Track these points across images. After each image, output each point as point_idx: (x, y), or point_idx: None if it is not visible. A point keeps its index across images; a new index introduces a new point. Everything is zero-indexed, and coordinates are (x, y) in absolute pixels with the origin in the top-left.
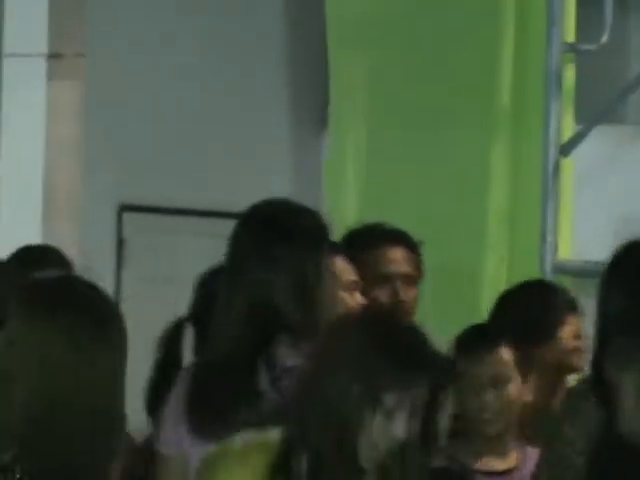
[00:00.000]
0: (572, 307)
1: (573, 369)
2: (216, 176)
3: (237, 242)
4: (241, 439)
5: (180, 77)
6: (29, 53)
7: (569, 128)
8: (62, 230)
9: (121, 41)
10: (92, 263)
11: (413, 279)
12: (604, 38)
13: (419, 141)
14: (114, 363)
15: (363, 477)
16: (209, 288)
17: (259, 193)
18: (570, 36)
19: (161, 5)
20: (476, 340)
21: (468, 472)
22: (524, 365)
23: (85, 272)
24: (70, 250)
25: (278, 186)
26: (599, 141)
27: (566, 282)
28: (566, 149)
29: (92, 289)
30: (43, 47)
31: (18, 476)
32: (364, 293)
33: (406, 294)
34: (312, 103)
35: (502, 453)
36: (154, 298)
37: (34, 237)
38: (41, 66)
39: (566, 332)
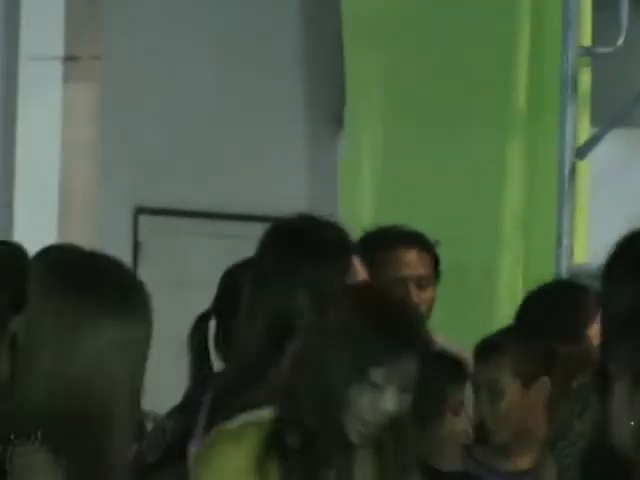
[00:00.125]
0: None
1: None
2: (232, 178)
3: (261, 256)
4: (237, 421)
5: (196, 79)
6: (45, 56)
7: (585, 131)
8: (78, 232)
9: (137, 44)
10: None
11: (427, 281)
12: (620, 41)
13: (435, 139)
14: (139, 340)
15: (354, 452)
16: (233, 281)
17: (275, 195)
18: (586, 40)
19: (176, 6)
20: (479, 349)
21: (488, 474)
22: (549, 363)
23: None
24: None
25: (294, 187)
26: (615, 144)
27: None
28: (582, 152)
29: (116, 265)
30: (59, 50)
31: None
32: None
33: (419, 297)
34: (328, 103)
35: (521, 454)
36: (170, 300)
37: (50, 239)
38: (57, 69)
39: (594, 330)
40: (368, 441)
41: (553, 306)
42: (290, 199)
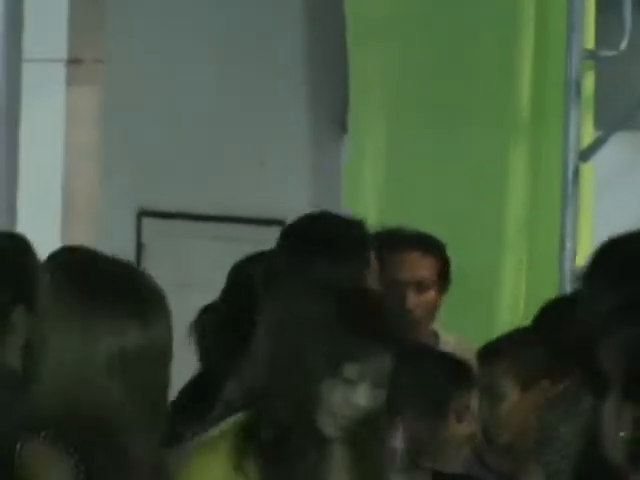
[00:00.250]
0: None
1: None
2: (235, 181)
3: (275, 254)
4: (214, 430)
5: (198, 81)
6: (48, 58)
7: (588, 134)
8: (81, 235)
9: (139, 46)
10: None
11: (427, 285)
12: (623, 45)
13: (438, 142)
14: (158, 341)
15: (329, 446)
16: (243, 274)
17: (278, 198)
18: (590, 43)
19: (179, 9)
20: (480, 353)
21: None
22: (565, 367)
23: None
24: None
25: (297, 190)
26: (618, 147)
27: None
28: (585, 155)
29: (131, 268)
30: (62, 53)
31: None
32: None
33: (418, 300)
34: (331, 104)
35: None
36: (173, 302)
37: (53, 241)
38: (60, 71)
39: None
40: (343, 436)
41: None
42: (293, 202)
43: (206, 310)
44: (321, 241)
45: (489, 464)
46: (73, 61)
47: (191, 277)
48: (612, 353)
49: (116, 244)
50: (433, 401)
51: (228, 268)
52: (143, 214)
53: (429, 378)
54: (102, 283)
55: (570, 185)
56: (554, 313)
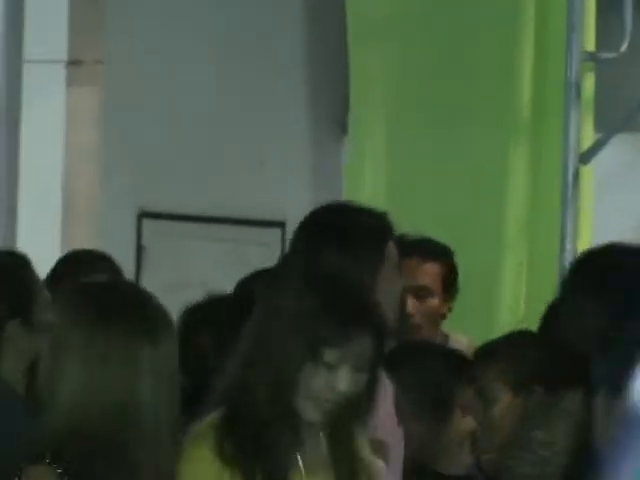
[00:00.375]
0: None
1: None
2: (235, 183)
3: (292, 244)
4: (206, 419)
5: (198, 82)
6: (49, 59)
7: (588, 136)
8: (81, 236)
9: (140, 47)
10: None
11: (428, 291)
12: (624, 47)
13: (438, 143)
14: (167, 363)
15: (309, 431)
16: (244, 289)
17: (278, 199)
18: (590, 45)
19: (178, 9)
20: (475, 355)
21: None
22: (543, 371)
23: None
24: None
25: (297, 191)
26: (619, 149)
27: None
28: (586, 157)
29: (141, 294)
30: (63, 54)
31: (59, 471)
32: None
33: (416, 307)
34: (331, 107)
35: None
36: (173, 304)
37: (53, 243)
38: (60, 72)
39: None
40: (324, 420)
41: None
42: (293, 203)
43: (194, 311)
44: (332, 230)
45: (482, 466)
46: (73, 62)
47: (191, 278)
48: (600, 360)
49: (116, 245)
50: (437, 400)
51: (227, 269)
52: (143, 215)
53: (431, 376)
54: (116, 309)
55: (570, 187)
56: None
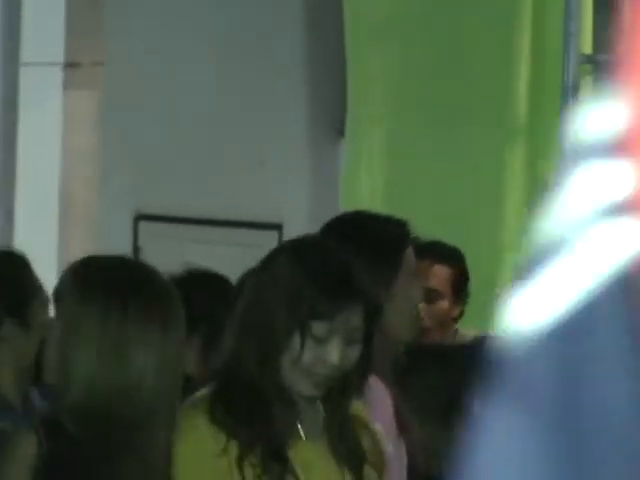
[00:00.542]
0: None
1: None
2: (232, 185)
3: None
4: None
5: (195, 85)
6: (46, 62)
7: None
8: (78, 238)
9: (138, 49)
10: None
11: (437, 294)
12: None
13: (436, 143)
14: (177, 348)
15: (302, 405)
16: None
17: (275, 201)
18: (587, 47)
19: (178, 11)
20: None
21: None
22: None
23: None
24: None
25: (295, 194)
26: None
27: None
28: None
29: (149, 271)
30: (60, 56)
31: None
32: None
33: (426, 309)
34: (329, 110)
35: None
36: None
37: (50, 245)
38: (58, 75)
39: None
40: (319, 394)
41: None
42: (290, 205)
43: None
44: (349, 238)
45: None
46: (71, 65)
47: None
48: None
49: (113, 247)
50: (447, 406)
51: (224, 271)
52: (140, 217)
53: (440, 382)
54: (132, 297)
55: None
56: None
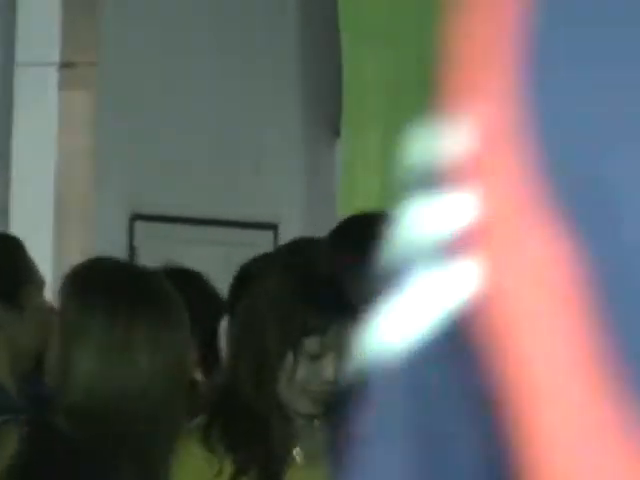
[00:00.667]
0: None
1: None
2: (229, 186)
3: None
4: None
5: (193, 86)
6: (41, 62)
7: None
8: (73, 238)
9: (134, 50)
10: None
11: None
12: None
13: None
14: (178, 347)
15: (302, 422)
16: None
17: (272, 202)
18: None
19: (174, 11)
20: None
21: None
22: None
23: None
24: (82, 259)
25: (290, 194)
26: None
27: None
28: None
29: (150, 273)
30: (56, 56)
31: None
32: None
33: None
34: (325, 111)
35: None
36: None
37: (46, 246)
38: (53, 75)
39: None
40: (315, 411)
41: None
42: (286, 205)
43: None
44: (343, 239)
45: None
46: (66, 65)
47: None
48: None
49: (108, 247)
50: None
51: (220, 271)
52: (135, 217)
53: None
54: (134, 294)
55: None
56: None
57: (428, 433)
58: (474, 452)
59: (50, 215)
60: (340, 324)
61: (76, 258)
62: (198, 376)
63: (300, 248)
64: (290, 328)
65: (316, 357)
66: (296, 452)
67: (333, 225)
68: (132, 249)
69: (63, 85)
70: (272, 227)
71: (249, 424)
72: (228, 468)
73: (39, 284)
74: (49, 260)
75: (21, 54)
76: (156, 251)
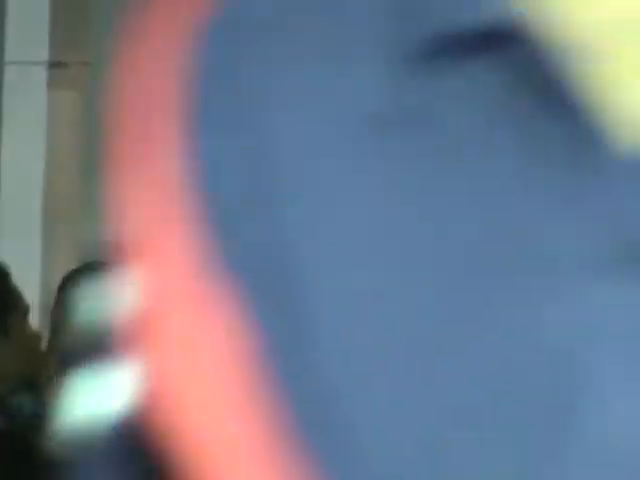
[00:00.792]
0: None
1: None
2: None
3: None
4: None
5: None
6: (30, 61)
7: None
8: (62, 237)
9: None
10: None
11: None
12: None
13: None
14: None
15: None
16: None
17: None
18: None
19: None
20: None
21: None
22: None
23: None
24: (70, 259)
25: None
26: None
27: None
28: None
29: None
30: (45, 55)
31: None
32: None
33: None
34: None
35: None
36: None
37: (34, 245)
38: (42, 74)
39: None
40: None
41: None
42: None
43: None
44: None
45: None
46: (56, 64)
47: None
48: None
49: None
50: None
51: None
52: None
53: None
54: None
55: None
56: None
57: None
58: None
59: (38, 215)
60: None
61: (64, 258)
62: None
63: None
64: None
65: None
66: None
67: None
68: None
69: (52, 84)
70: None
71: None
72: None
73: (24, 311)
74: (37, 259)
75: (10, 53)
76: None
